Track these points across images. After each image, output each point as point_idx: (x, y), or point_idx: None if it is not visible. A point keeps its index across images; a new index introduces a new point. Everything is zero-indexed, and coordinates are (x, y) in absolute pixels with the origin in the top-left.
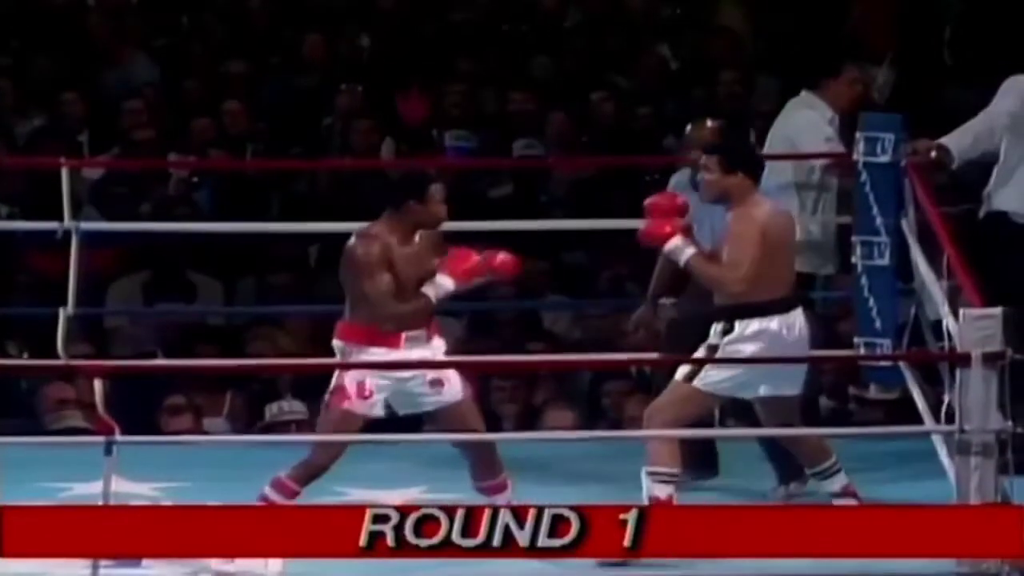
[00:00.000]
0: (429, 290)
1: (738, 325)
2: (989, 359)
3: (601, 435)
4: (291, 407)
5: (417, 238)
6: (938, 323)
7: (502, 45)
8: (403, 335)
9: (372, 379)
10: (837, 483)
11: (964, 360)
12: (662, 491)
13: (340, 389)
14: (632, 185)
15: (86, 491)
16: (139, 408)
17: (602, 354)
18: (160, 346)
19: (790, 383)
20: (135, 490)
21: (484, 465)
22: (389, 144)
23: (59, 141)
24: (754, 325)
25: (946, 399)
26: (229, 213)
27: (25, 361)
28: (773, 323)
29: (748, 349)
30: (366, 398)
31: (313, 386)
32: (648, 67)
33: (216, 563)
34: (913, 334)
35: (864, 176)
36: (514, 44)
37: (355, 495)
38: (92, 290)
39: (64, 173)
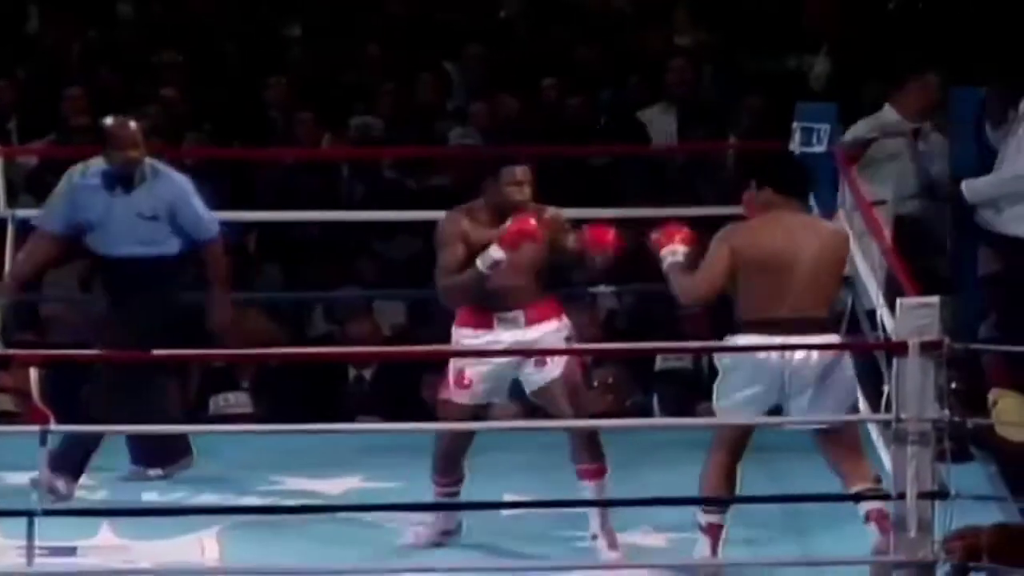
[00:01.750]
0: (477, 261)
1: (727, 339)
2: (926, 348)
3: (539, 424)
4: (236, 399)
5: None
6: (873, 312)
7: (436, 34)
8: (495, 316)
9: (471, 367)
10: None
11: (901, 349)
12: (710, 519)
13: (442, 377)
14: (570, 173)
15: (20, 480)
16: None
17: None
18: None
19: (803, 411)
20: None
21: (581, 447)
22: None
23: None
24: (732, 340)
25: (885, 389)
26: None
27: None
28: (749, 341)
29: (723, 363)
30: (465, 387)
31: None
32: (584, 57)
33: None
34: (850, 323)
35: None
36: (448, 33)
37: (291, 484)
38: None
39: None
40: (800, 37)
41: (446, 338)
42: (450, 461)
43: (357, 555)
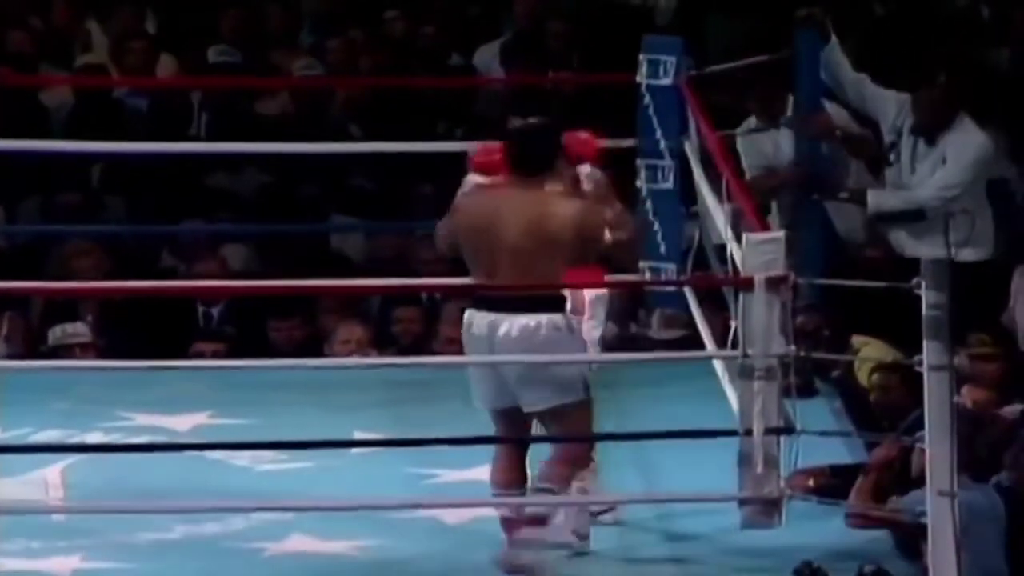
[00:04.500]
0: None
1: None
2: (772, 283)
3: (385, 362)
4: (74, 329)
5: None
6: (722, 247)
7: None
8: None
9: None
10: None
11: (747, 284)
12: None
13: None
14: (418, 107)
15: None
16: None
17: (391, 279)
18: None
19: (491, 396)
20: None
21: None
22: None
23: None
24: (467, 313)
25: (732, 324)
26: (11, 132)
27: None
28: (468, 316)
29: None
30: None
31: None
32: None
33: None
34: (697, 258)
35: (647, 99)
36: None
37: (140, 420)
38: None
39: None
40: None
41: (295, 274)
42: None
43: (204, 491)
